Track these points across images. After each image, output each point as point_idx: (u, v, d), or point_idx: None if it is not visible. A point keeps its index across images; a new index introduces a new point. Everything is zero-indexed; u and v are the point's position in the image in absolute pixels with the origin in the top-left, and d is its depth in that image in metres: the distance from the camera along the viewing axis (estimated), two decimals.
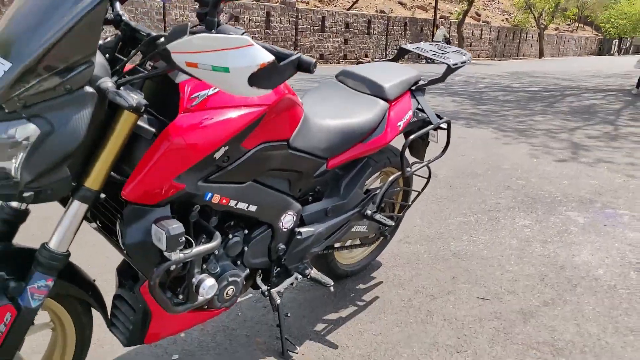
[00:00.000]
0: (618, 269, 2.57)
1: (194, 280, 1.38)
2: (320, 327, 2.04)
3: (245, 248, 1.62)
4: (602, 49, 43.39)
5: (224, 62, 1.02)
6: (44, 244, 1.21)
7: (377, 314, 2.13)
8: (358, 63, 19.30)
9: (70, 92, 1.08)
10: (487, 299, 2.26)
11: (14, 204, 1.30)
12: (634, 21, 38.29)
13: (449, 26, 25.45)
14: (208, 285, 1.37)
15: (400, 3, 26.05)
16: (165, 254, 1.29)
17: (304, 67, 1.14)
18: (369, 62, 19.75)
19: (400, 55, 2.37)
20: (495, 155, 4.90)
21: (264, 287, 1.79)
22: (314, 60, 1.14)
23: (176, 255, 1.29)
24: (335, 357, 1.85)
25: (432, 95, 9.13)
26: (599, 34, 43.03)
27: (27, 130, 1.06)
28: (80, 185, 1.19)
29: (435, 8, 24.08)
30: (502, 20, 32.58)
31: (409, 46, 2.32)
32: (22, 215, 1.32)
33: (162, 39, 1.22)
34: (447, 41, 23.19)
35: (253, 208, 1.56)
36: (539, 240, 2.90)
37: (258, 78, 1.03)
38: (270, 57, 1.02)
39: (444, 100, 8.77)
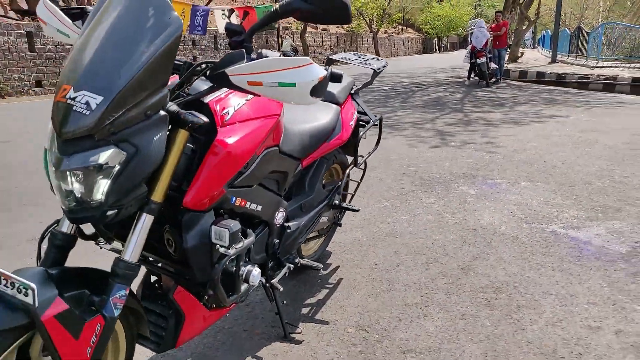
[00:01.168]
0: (514, 224, 3.19)
1: (241, 272, 1.56)
2: (305, 310, 2.28)
3: (251, 245, 1.82)
4: (426, 48, 48.41)
5: (291, 79, 1.25)
6: (118, 258, 1.32)
7: (348, 291, 2.43)
8: None
9: (149, 117, 1.23)
10: (430, 263, 2.69)
11: (65, 229, 1.39)
12: (446, 22, 43.63)
13: (292, 36, 26.53)
14: (256, 274, 1.58)
15: None
16: (222, 250, 1.46)
17: (337, 78, 1.42)
18: None
19: (329, 64, 2.71)
20: (380, 149, 5.45)
21: (263, 280, 2.00)
22: (343, 72, 1.42)
23: (233, 250, 1.47)
24: (331, 330, 2.12)
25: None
26: (421, 35, 47.94)
27: (115, 155, 1.18)
28: (148, 199, 1.33)
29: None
30: (337, 27, 34.75)
31: (335, 56, 2.68)
32: (72, 241, 1.41)
33: (204, 65, 1.39)
34: (295, 50, 24.03)
35: (259, 208, 1.77)
36: (448, 212, 3.44)
37: (317, 89, 1.28)
38: (324, 72, 1.28)
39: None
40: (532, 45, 40.41)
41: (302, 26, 26.78)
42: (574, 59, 16.86)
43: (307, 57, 1.27)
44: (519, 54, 19.33)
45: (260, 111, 1.59)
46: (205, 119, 1.31)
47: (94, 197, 1.20)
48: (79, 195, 1.20)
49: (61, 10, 1.49)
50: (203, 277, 1.52)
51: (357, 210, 2.42)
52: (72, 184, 1.19)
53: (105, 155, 1.17)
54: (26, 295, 1.09)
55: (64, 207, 1.24)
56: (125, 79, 1.16)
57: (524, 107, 8.27)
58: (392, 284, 2.48)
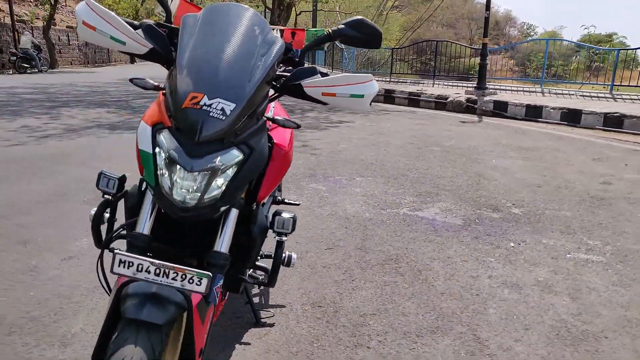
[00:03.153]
0: (374, 211, 3.87)
1: (283, 255, 1.80)
2: (256, 300, 2.51)
3: None
4: None
5: (361, 91, 1.56)
6: (214, 250, 1.44)
7: (281, 279, 2.72)
8: None
9: (258, 121, 1.43)
10: (332, 248, 3.15)
11: (145, 231, 1.45)
12: None
13: (31, 31, 23.68)
14: (295, 257, 1.83)
15: None
16: (278, 238, 1.69)
17: None
18: None
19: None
20: None
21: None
22: None
23: (286, 236, 1.71)
24: (291, 311, 2.41)
25: (80, 109, 9.07)
26: None
27: (236, 156, 1.36)
28: None
29: (12, 14, 22.01)
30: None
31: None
32: (151, 242, 1.48)
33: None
34: (38, 48, 21.70)
35: None
36: (316, 206, 3.95)
37: (373, 99, 1.63)
38: (378, 86, 1.64)
39: (98, 111, 8.84)
40: None
41: (47, 22, 24.16)
42: (331, 70, 19.20)
43: (370, 75, 1.61)
44: None
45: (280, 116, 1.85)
46: (297, 122, 1.54)
47: (213, 194, 1.34)
48: (200, 194, 1.32)
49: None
50: (250, 263, 1.70)
51: (299, 205, 2.74)
52: (197, 183, 1.31)
53: (230, 156, 1.34)
54: (199, 284, 1.21)
55: (177, 206, 1.33)
56: (250, 88, 1.35)
57: (313, 114, 9.33)
58: (314, 268, 2.87)
